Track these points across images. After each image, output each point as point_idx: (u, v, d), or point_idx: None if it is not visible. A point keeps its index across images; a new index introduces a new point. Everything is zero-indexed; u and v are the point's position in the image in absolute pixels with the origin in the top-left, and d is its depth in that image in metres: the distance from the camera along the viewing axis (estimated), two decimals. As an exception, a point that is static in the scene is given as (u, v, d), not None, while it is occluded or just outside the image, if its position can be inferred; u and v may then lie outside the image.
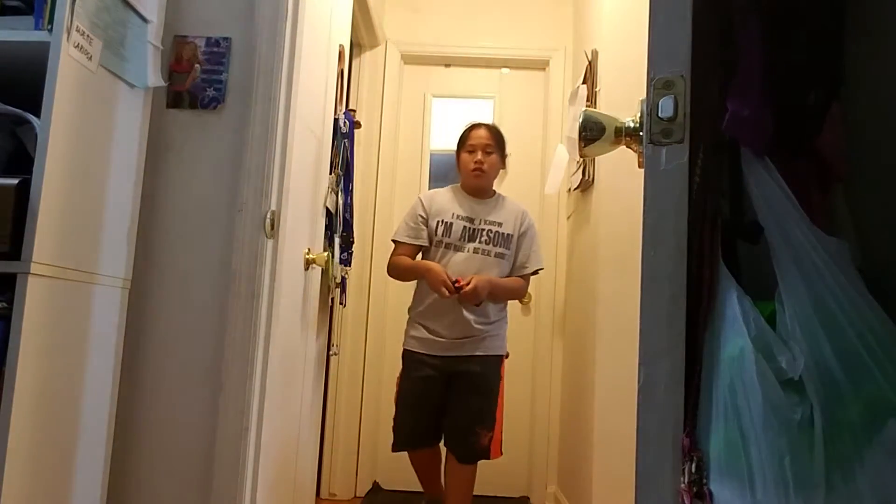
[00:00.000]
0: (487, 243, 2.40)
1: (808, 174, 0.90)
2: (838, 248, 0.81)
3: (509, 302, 2.59)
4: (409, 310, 2.51)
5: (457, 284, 2.28)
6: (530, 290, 3.31)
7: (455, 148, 2.57)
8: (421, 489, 2.69)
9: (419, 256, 2.50)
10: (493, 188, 2.55)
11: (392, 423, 2.43)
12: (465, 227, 2.41)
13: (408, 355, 2.44)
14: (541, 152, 3.50)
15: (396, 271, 2.49)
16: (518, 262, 2.45)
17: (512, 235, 2.43)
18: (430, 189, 3.47)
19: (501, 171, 2.59)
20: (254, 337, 1.70)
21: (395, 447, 2.41)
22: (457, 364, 2.35)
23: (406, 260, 2.44)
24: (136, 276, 1.70)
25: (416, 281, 2.48)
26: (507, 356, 2.49)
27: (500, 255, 2.41)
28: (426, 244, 2.45)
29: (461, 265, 2.37)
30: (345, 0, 2.53)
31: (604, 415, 2.34)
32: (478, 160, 2.42)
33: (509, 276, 2.45)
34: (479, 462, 2.38)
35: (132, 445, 1.69)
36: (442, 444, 2.44)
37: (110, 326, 1.60)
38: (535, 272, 2.50)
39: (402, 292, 3.39)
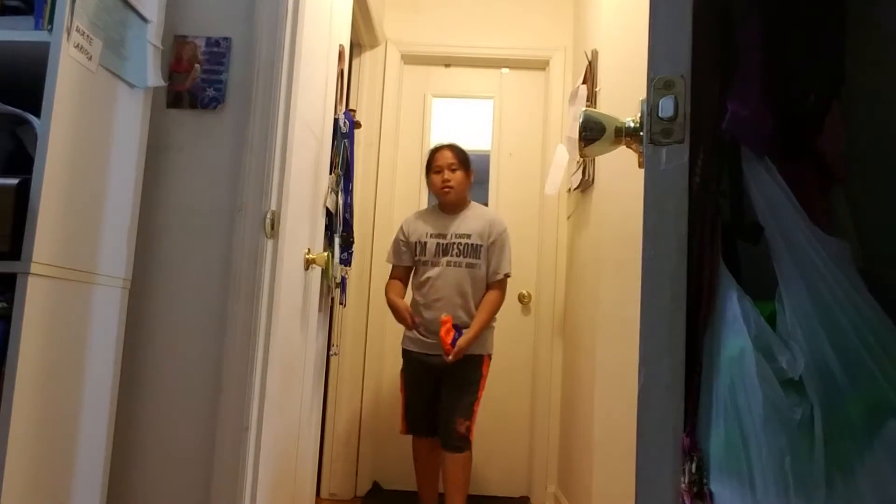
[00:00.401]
0: (458, 255, 2.70)
1: (808, 174, 0.90)
2: (838, 248, 0.81)
3: (508, 304, 2.91)
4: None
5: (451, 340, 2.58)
6: (530, 290, 3.36)
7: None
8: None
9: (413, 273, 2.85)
10: (468, 199, 2.84)
11: (402, 411, 2.78)
12: (437, 243, 2.73)
13: (405, 353, 2.79)
14: (541, 152, 3.50)
15: (387, 302, 2.83)
16: (491, 269, 2.71)
17: (481, 245, 2.71)
18: (428, 189, 3.49)
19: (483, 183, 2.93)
20: (254, 337, 1.70)
21: (406, 430, 2.74)
22: (443, 361, 2.59)
23: (390, 294, 2.78)
24: (136, 276, 1.70)
25: (410, 289, 2.82)
26: (489, 356, 2.73)
27: (470, 265, 2.70)
28: (410, 264, 2.80)
29: (439, 279, 2.69)
30: (345, 0, 2.53)
31: (604, 415, 2.34)
32: (444, 178, 2.73)
33: (485, 279, 2.71)
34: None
35: (132, 445, 1.69)
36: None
37: (110, 326, 1.60)
38: (507, 275, 2.74)
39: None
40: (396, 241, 2.84)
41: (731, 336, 0.82)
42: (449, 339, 2.56)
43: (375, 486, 3.31)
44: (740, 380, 0.80)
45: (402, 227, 2.84)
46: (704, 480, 0.82)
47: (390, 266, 2.87)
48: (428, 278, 2.71)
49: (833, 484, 0.73)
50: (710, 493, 0.81)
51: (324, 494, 3.15)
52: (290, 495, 2.12)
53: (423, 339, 2.68)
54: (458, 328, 2.62)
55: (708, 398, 0.84)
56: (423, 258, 2.75)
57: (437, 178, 2.76)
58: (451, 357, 2.55)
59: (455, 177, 2.73)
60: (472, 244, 2.71)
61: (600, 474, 2.32)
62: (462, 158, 2.77)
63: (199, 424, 1.69)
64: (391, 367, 3.40)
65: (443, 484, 2.62)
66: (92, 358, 1.53)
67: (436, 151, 2.80)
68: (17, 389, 1.25)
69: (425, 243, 2.75)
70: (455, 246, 2.71)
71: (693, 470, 0.83)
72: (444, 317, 2.60)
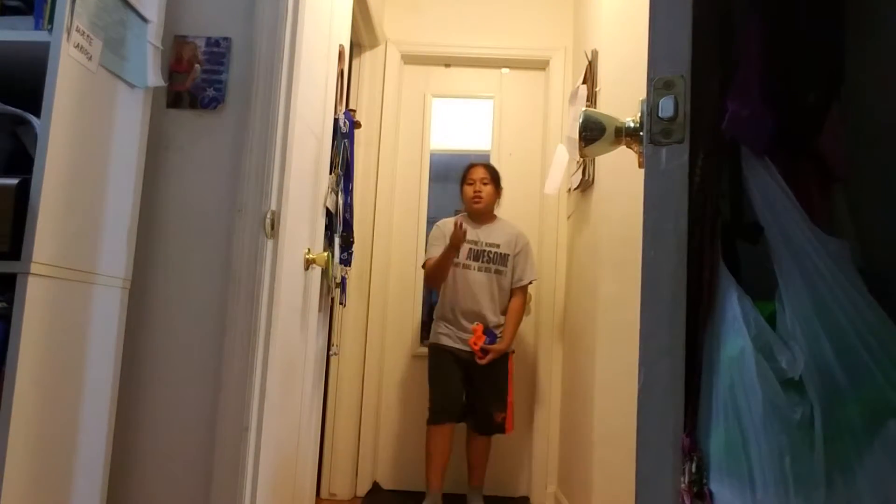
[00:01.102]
0: (488, 262, 3.02)
1: (808, 174, 0.90)
2: (838, 248, 0.81)
3: None
4: (435, 312, 3.10)
5: (477, 347, 2.90)
6: (530, 290, 3.37)
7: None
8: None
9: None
10: (494, 213, 3.13)
11: (430, 401, 2.97)
12: (470, 248, 3.02)
13: (434, 347, 3.03)
14: (541, 152, 3.50)
15: (432, 272, 3.04)
16: (515, 276, 3.04)
17: (508, 255, 3.04)
18: (428, 189, 3.53)
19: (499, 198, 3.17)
20: (254, 337, 1.70)
21: (432, 420, 2.93)
22: (472, 357, 2.90)
23: (434, 262, 3.01)
24: (136, 276, 1.70)
25: (441, 289, 3.06)
26: (513, 352, 3.06)
27: (498, 272, 3.02)
28: None
29: (471, 281, 3.00)
30: (345, 0, 2.53)
31: (604, 415, 2.34)
32: (476, 190, 3.05)
33: (510, 287, 3.03)
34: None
35: (132, 445, 1.69)
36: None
37: (110, 326, 1.60)
38: (530, 283, 3.08)
39: (402, 293, 3.42)
40: (435, 238, 3.07)
41: (731, 336, 0.82)
42: (480, 343, 2.88)
43: (375, 486, 3.31)
44: (740, 380, 0.80)
45: (437, 226, 3.11)
46: (704, 480, 0.82)
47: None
48: (462, 280, 3.00)
49: (833, 484, 0.73)
50: (710, 493, 0.81)
51: (324, 494, 3.15)
52: (290, 495, 2.12)
53: (457, 333, 2.96)
54: (491, 333, 2.93)
55: (708, 398, 0.84)
56: (455, 259, 3.00)
57: (469, 189, 3.08)
58: (483, 361, 2.87)
59: (486, 189, 3.05)
60: (501, 253, 3.04)
61: (600, 474, 2.32)
62: (494, 175, 3.10)
63: (199, 424, 1.69)
64: (391, 367, 3.40)
65: (468, 460, 3.01)
66: (92, 358, 1.53)
67: (471, 167, 3.12)
68: (17, 389, 1.25)
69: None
70: (486, 254, 3.04)
71: (693, 470, 0.83)
72: (475, 326, 2.91)
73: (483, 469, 3.03)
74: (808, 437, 0.75)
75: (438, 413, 2.93)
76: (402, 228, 3.47)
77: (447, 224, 3.05)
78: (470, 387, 2.97)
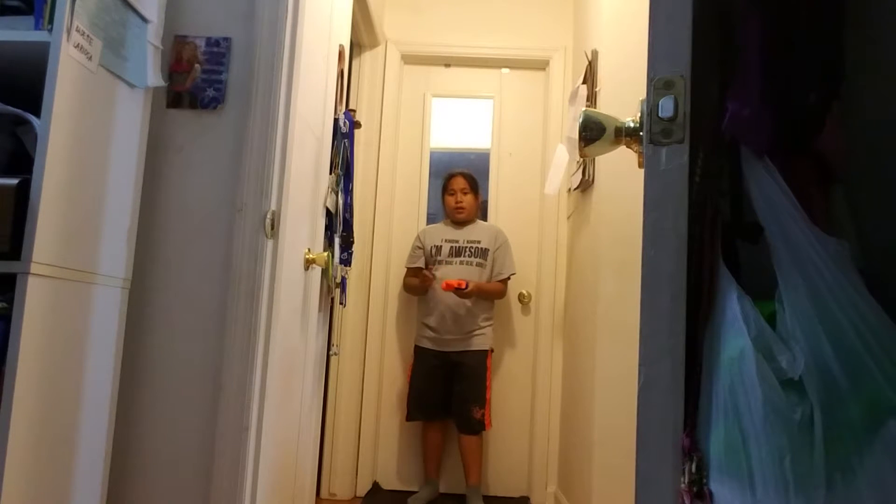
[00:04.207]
0: (470, 256, 3.20)
1: (808, 174, 0.90)
2: (838, 248, 0.81)
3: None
4: (418, 315, 3.26)
5: (459, 286, 3.03)
6: (530, 289, 3.40)
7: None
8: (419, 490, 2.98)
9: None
10: (475, 217, 3.29)
11: (407, 399, 3.19)
12: (451, 246, 3.22)
13: (418, 350, 3.19)
14: (541, 152, 3.50)
15: (407, 290, 3.35)
16: (496, 270, 3.21)
17: (489, 249, 3.21)
18: (428, 188, 3.54)
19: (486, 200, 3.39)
20: (254, 337, 1.70)
21: (407, 417, 3.18)
22: (453, 357, 3.08)
23: (408, 280, 3.30)
24: (136, 276, 1.70)
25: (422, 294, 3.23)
26: (492, 350, 3.20)
27: (479, 265, 3.19)
28: (422, 266, 3.24)
29: (452, 273, 3.15)
30: (345, 0, 2.53)
31: (604, 415, 2.34)
32: (458, 201, 3.23)
33: (489, 279, 3.20)
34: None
35: (132, 445, 1.69)
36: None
37: (110, 326, 1.60)
38: (510, 276, 3.22)
39: (402, 293, 3.42)
40: (413, 248, 3.28)
41: (731, 336, 0.82)
42: (454, 285, 3.00)
43: (375, 486, 3.31)
44: (740, 380, 0.80)
45: (418, 236, 3.30)
46: (704, 480, 0.82)
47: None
48: (443, 273, 3.13)
49: (833, 484, 0.73)
50: (710, 493, 0.81)
51: (324, 494, 3.15)
52: (290, 495, 2.12)
53: (436, 337, 3.10)
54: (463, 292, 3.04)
55: (708, 398, 0.84)
56: (437, 258, 3.20)
57: (451, 200, 3.24)
58: (466, 290, 3.02)
59: (466, 199, 3.22)
60: (481, 248, 3.19)
61: (600, 474, 2.32)
62: (472, 184, 3.25)
63: (199, 424, 1.69)
64: (391, 367, 3.40)
65: (462, 460, 3.08)
66: (92, 358, 1.53)
67: (451, 177, 3.27)
68: (17, 389, 1.25)
69: (440, 246, 3.21)
70: (467, 249, 3.20)
71: (693, 470, 0.83)
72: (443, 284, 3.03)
73: (477, 468, 3.09)
74: (808, 437, 0.74)
75: (411, 412, 3.15)
76: (402, 228, 3.48)
77: (427, 234, 3.27)
78: (451, 386, 3.08)
